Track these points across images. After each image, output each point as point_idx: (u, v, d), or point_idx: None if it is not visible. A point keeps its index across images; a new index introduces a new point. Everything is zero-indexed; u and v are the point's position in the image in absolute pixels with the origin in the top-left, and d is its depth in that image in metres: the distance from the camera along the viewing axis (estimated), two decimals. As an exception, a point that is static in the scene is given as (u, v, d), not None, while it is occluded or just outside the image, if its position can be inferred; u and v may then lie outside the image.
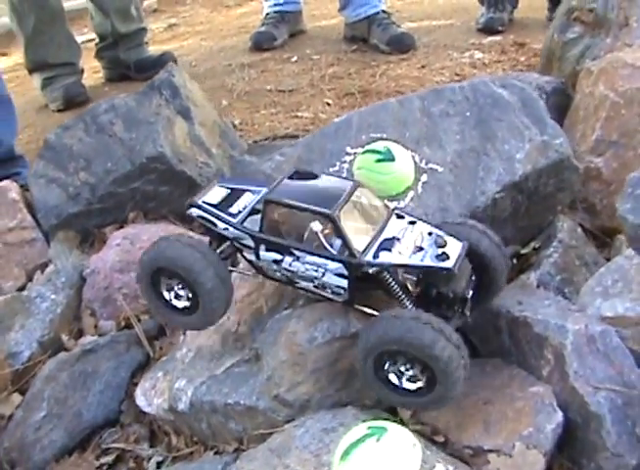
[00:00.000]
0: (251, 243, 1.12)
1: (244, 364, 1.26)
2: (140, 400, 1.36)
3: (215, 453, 1.26)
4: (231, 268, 1.21)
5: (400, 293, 1.08)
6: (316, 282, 1.09)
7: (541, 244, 1.42)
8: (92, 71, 3.06)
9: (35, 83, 2.78)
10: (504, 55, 2.61)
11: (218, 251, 1.16)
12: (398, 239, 1.07)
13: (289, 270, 1.10)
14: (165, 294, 1.17)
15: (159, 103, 1.76)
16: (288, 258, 1.09)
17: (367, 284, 1.08)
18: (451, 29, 2.98)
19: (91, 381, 1.43)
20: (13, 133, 2.14)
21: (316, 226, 1.03)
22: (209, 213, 1.16)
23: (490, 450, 1.06)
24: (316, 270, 1.07)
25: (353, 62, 2.76)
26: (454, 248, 1.06)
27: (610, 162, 1.53)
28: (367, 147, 1.30)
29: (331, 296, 1.11)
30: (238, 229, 1.13)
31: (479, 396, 1.13)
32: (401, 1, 3.58)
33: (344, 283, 1.07)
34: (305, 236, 1.06)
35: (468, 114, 1.42)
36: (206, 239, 1.21)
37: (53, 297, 1.56)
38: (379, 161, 1.26)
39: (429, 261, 1.04)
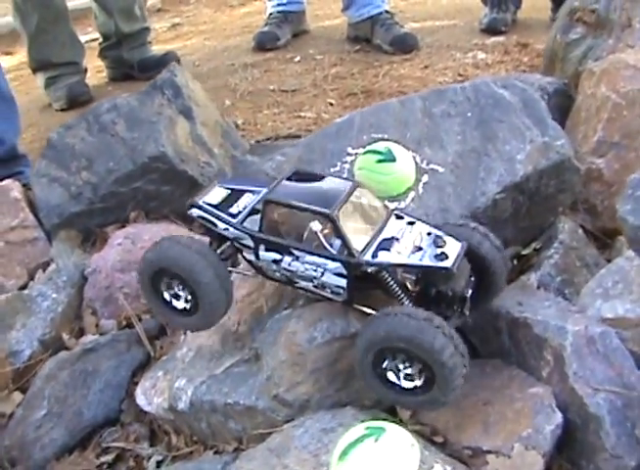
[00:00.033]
0: (251, 243, 1.12)
1: (243, 364, 1.26)
2: (140, 400, 1.36)
3: (215, 453, 1.26)
4: (231, 268, 1.21)
5: (399, 292, 1.08)
6: (315, 282, 1.10)
7: (542, 245, 1.42)
8: (95, 71, 3.06)
9: (39, 82, 2.78)
10: (507, 55, 2.60)
11: (218, 251, 1.16)
12: (397, 239, 1.07)
13: (288, 270, 1.11)
14: (166, 295, 1.18)
15: (161, 103, 1.76)
16: (287, 258, 1.09)
17: (366, 283, 1.08)
18: (454, 30, 2.97)
19: (92, 380, 1.43)
20: (16, 132, 2.14)
21: (315, 226, 1.04)
22: (210, 214, 1.16)
23: (489, 451, 1.06)
24: (315, 270, 1.07)
25: (356, 62, 2.76)
26: (453, 248, 1.06)
27: (611, 163, 1.53)
28: (368, 147, 1.30)
29: (330, 295, 1.11)
30: (238, 229, 1.13)
31: (478, 396, 1.13)
32: (404, 1, 3.58)
33: (344, 283, 1.07)
34: (305, 236, 1.07)
35: (469, 114, 1.42)
36: (207, 239, 1.21)
37: (54, 296, 1.56)
38: (380, 161, 1.26)
39: (427, 261, 1.04)
